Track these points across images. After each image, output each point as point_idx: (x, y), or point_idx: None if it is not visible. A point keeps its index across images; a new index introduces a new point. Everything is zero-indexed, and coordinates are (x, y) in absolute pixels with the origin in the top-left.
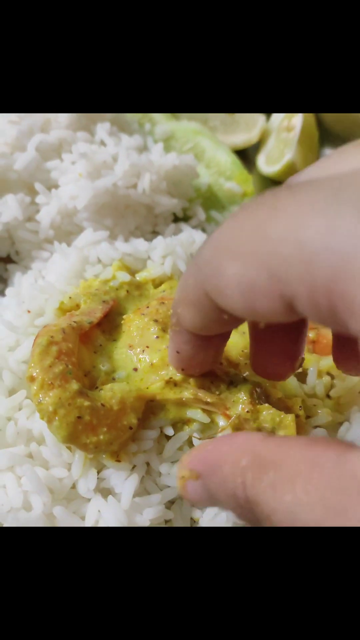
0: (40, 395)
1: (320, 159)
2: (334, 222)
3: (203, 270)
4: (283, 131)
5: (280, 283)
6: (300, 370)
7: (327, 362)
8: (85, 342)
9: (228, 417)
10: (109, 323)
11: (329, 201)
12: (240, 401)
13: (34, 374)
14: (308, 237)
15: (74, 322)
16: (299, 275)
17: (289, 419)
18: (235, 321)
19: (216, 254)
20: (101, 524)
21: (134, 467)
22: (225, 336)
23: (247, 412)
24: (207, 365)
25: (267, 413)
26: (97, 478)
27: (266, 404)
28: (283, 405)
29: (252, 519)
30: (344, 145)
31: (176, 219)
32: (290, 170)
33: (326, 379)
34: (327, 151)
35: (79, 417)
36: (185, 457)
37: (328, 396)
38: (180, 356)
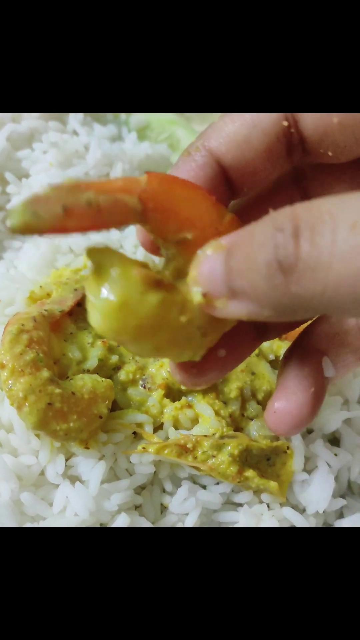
0: (10, 382)
1: None
2: None
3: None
4: None
5: None
6: (273, 358)
7: None
8: (56, 330)
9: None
10: (80, 312)
11: None
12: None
13: (4, 361)
14: None
15: (45, 310)
16: None
17: (272, 484)
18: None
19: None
20: (69, 510)
21: (102, 456)
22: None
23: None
24: (215, 374)
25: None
26: (65, 465)
27: (251, 470)
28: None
29: (287, 295)
30: None
31: None
32: None
33: None
34: None
35: (49, 404)
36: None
37: None
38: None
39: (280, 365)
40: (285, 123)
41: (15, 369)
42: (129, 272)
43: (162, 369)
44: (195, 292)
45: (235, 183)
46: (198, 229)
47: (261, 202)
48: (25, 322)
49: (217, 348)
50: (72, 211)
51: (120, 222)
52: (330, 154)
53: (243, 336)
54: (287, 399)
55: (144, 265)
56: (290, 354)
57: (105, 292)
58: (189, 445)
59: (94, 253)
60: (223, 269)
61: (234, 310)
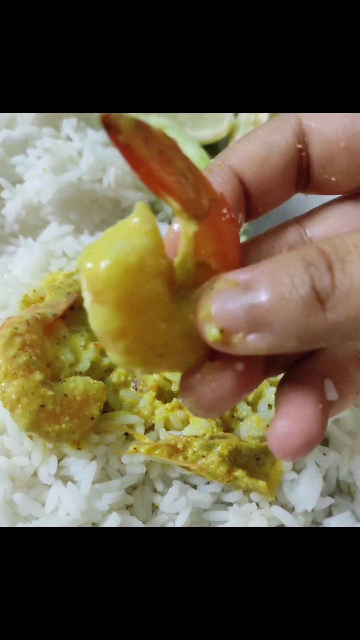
0: (3, 384)
1: None
2: None
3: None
4: (250, 126)
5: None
6: None
7: None
8: (49, 333)
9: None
10: (73, 316)
11: None
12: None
13: None
14: None
15: (38, 313)
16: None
17: (261, 484)
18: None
19: None
20: (61, 510)
21: (94, 456)
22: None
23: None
24: (227, 402)
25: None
26: (58, 466)
27: (240, 470)
28: None
29: (322, 322)
30: None
31: None
32: None
33: None
34: None
35: (41, 406)
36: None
37: None
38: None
39: (278, 385)
40: (299, 146)
41: (8, 371)
42: (160, 249)
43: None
44: (208, 329)
45: (254, 200)
46: (222, 265)
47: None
48: (18, 325)
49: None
50: (163, 157)
51: (184, 201)
52: (333, 179)
53: (252, 371)
54: (294, 418)
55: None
56: (289, 375)
57: (127, 245)
58: (179, 446)
59: (144, 208)
60: (243, 304)
61: (253, 344)
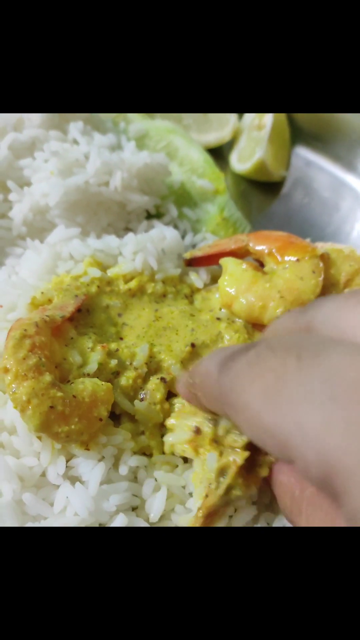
0: (13, 386)
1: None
2: (329, 418)
3: (223, 393)
4: (254, 129)
5: (284, 448)
6: None
7: None
8: (57, 335)
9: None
10: (81, 318)
11: (325, 394)
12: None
13: (8, 366)
14: (307, 426)
15: (47, 315)
16: (297, 451)
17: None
18: None
19: (236, 395)
20: (69, 510)
21: (102, 457)
22: None
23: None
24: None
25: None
26: (66, 467)
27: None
28: None
29: None
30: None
31: (149, 216)
32: (261, 168)
33: None
34: (300, 149)
35: (51, 407)
36: None
37: None
38: None
39: None
40: None
41: (19, 373)
42: None
43: (160, 387)
44: None
45: None
46: None
47: None
48: (27, 327)
49: None
50: None
51: None
52: None
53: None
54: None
55: None
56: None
57: None
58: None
59: None
60: None
61: None
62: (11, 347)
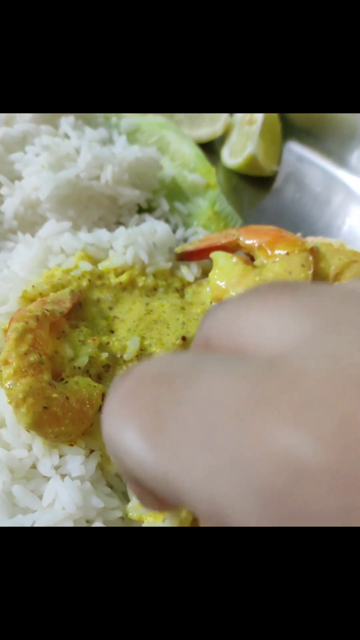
0: (11, 381)
1: None
2: (212, 461)
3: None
4: (245, 124)
5: (176, 497)
6: None
7: None
8: (52, 329)
9: None
10: (73, 311)
11: (202, 429)
12: None
13: (10, 359)
14: (193, 473)
15: (47, 310)
16: (188, 500)
17: None
18: None
19: (115, 444)
20: (57, 504)
21: (92, 451)
22: None
23: None
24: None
25: None
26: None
27: None
28: None
29: None
30: None
31: (141, 210)
32: (252, 162)
33: None
34: (291, 145)
35: (45, 408)
36: None
37: None
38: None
39: None
40: None
41: (19, 368)
42: None
43: None
44: None
45: None
46: None
47: None
48: (29, 320)
49: None
50: None
51: None
52: None
53: None
54: None
55: None
56: None
57: None
58: None
59: None
60: None
61: None
62: (13, 340)
